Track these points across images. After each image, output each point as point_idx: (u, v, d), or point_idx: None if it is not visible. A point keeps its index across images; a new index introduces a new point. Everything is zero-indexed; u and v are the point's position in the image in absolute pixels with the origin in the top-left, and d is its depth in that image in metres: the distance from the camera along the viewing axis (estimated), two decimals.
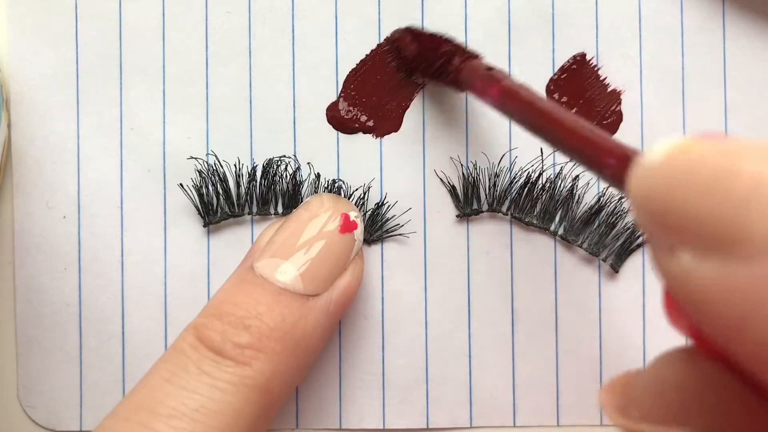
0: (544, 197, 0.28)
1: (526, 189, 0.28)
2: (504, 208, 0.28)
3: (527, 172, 0.28)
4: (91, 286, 0.28)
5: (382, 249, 0.28)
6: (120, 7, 0.28)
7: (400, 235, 0.28)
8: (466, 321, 0.28)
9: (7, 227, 0.28)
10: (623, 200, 0.28)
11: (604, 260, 0.28)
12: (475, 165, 0.28)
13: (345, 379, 0.28)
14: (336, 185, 0.28)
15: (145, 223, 0.28)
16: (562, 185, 0.28)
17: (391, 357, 0.28)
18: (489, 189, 0.28)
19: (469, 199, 0.28)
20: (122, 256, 0.28)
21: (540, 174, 0.28)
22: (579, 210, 0.28)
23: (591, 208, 0.28)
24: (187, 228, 0.28)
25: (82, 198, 0.28)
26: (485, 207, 0.28)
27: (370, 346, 0.28)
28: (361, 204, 0.28)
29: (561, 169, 0.28)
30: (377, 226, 0.28)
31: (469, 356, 0.28)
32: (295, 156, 0.28)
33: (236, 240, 0.28)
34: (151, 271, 0.28)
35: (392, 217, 0.28)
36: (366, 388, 0.28)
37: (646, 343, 0.28)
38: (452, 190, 0.28)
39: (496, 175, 0.28)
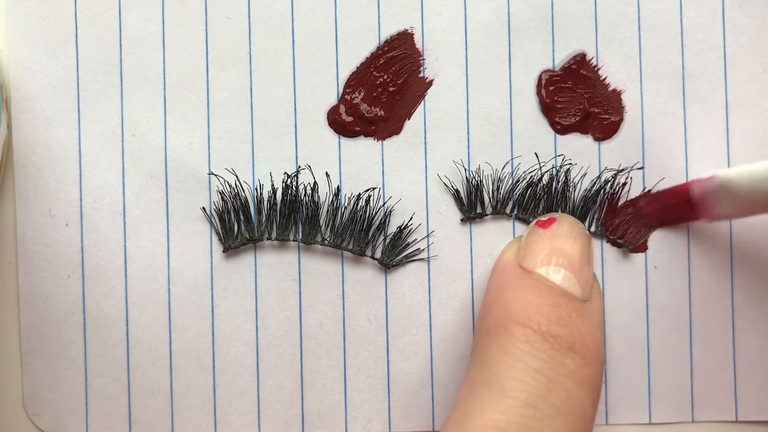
0: (545, 196, 0.28)
1: (529, 191, 0.28)
2: (508, 210, 0.28)
3: (530, 175, 0.28)
4: (95, 294, 0.28)
5: (384, 252, 0.28)
6: (120, 14, 0.28)
7: (421, 260, 0.28)
8: (470, 323, 0.28)
9: (9, 235, 0.28)
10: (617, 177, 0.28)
11: (614, 242, 0.28)
12: (477, 169, 0.28)
13: (350, 383, 0.28)
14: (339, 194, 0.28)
15: (148, 230, 0.28)
16: (559, 179, 0.28)
17: (395, 360, 0.28)
18: (492, 192, 0.28)
19: (473, 203, 0.28)
20: (125, 263, 0.28)
21: (541, 177, 0.28)
22: (577, 195, 0.28)
23: (587, 190, 0.28)
24: (190, 234, 0.28)
25: (85, 206, 0.28)
26: (489, 210, 0.28)
27: (375, 349, 0.28)
28: (363, 212, 0.28)
29: (558, 167, 0.28)
30: (398, 251, 0.28)
31: None
32: (309, 166, 0.28)
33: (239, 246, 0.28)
34: (155, 278, 0.28)
35: (413, 241, 0.28)
36: (371, 392, 0.28)
37: (650, 333, 0.28)
38: (456, 194, 0.28)
39: (500, 180, 0.28)
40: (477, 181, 0.28)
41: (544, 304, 0.24)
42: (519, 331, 0.23)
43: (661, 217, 0.28)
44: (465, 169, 0.28)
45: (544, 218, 0.27)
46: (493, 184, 0.28)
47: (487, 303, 0.25)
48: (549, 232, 0.26)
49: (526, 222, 0.28)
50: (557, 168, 0.28)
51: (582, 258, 0.25)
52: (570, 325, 0.23)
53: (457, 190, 0.28)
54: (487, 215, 0.28)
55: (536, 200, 0.28)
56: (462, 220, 0.28)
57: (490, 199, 0.28)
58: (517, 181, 0.28)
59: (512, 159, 0.28)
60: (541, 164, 0.28)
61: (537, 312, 0.23)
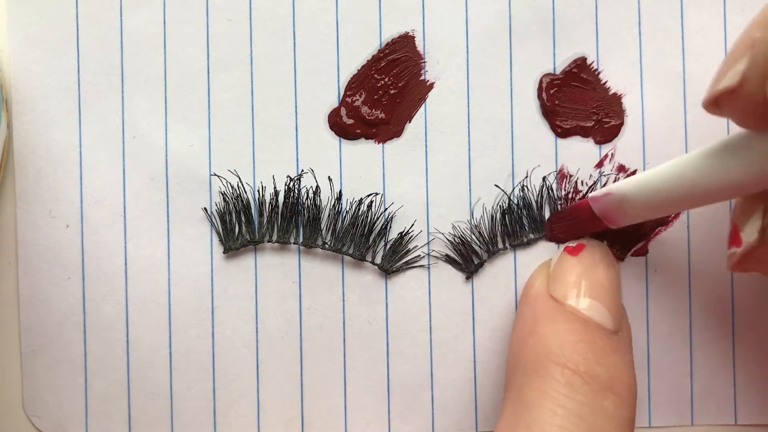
0: (524, 213, 0.28)
1: (506, 217, 0.28)
2: (500, 245, 0.28)
3: (498, 203, 0.28)
4: (95, 295, 0.28)
5: (384, 254, 0.28)
6: (121, 16, 0.28)
7: (421, 266, 0.28)
8: (470, 326, 0.28)
9: (9, 236, 0.28)
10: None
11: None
12: (457, 228, 0.28)
13: (350, 385, 0.28)
14: (341, 199, 0.28)
15: (148, 232, 0.28)
16: (530, 194, 0.28)
17: (395, 363, 0.28)
18: (479, 239, 0.28)
19: (468, 257, 0.28)
20: (126, 264, 0.28)
21: (509, 198, 0.28)
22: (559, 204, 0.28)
23: (567, 196, 0.28)
24: (191, 236, 0.28)
25: (85, 207, 0.28)
26: (485, 257, 0.28)
27: (375, 352, 0.28)
28: (364, 216, 0.28)
29: (523, 183, 0.28)
30: (398, 256, 0.28)
31: (474, 361, 0.28)
32: (312, 170, 0.28)
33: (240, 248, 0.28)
34: (155, 280, 0.28)
35: (414, 247, 0.28)
36: (371, 395, 0.28)
37: (650, 336, 0.28)
38: (449, 259, 0.28)
39: (476, 227, 0.28)
40: (462, 238, 0.28)
41: (579, 341, 0.24)
42: (558, 373, 0.23)
43: (572, 234, 0.28)
44: (450, 232, 0.28)
45: (573, 245, 0.27)
46: (473, 231, 0.28)
47: (520, 337, 0.25)
48: (578, 260, 0.26)
49: (524, 243, 0.28)
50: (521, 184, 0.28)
51: (612, 287, 0.25)
52: (607, 363, 0.23)
53: (447, 255, 0.28)
54: (485, 261, 0.28)
55: (519, 221, 0.28)
56: (467, 278, 0.28)
57: (480, 245, 0.28)
58: (492, 215, 0.28)
59: (513, 174, 0.28)
60: (506, 182, 0.28)
61: (573, 350, 0.23)
